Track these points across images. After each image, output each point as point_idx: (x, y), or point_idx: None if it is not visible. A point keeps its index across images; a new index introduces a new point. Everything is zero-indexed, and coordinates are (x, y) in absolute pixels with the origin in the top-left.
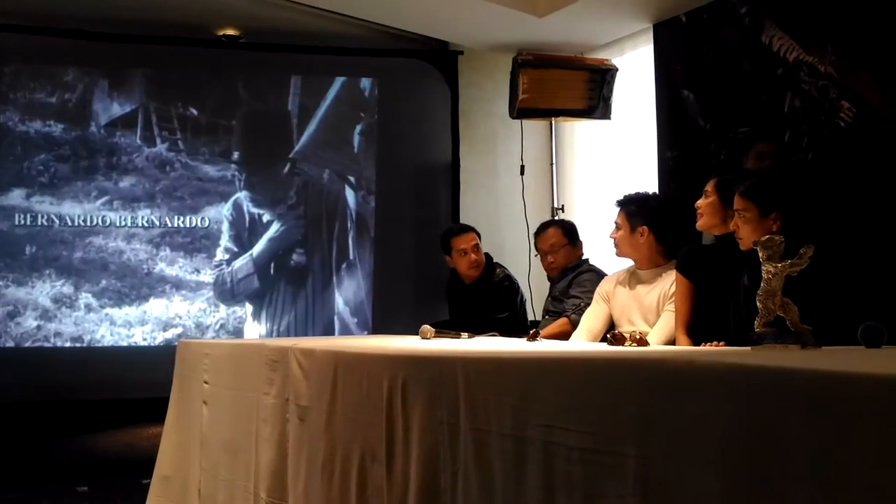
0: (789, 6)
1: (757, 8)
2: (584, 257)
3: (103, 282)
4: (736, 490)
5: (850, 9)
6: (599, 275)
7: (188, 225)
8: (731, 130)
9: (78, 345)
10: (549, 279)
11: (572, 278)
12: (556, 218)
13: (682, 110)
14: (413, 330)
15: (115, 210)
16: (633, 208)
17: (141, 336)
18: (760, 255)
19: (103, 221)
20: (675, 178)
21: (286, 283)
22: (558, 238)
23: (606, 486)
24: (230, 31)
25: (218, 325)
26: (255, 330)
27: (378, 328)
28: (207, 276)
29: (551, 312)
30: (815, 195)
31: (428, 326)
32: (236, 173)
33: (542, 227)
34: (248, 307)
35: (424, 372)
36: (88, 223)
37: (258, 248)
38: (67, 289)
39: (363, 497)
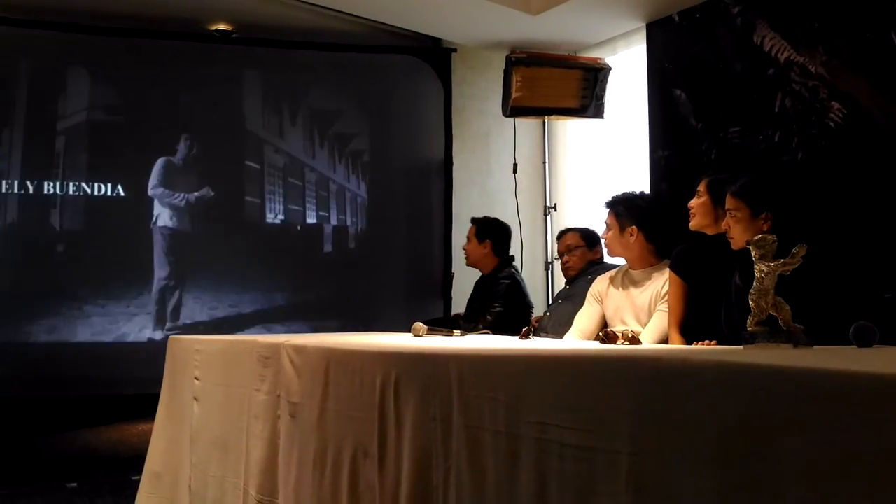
0: (781, 7)
1: (749, 8)
2: (602, 260)
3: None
4: (729, 488)
5: (841, 10)
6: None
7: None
8: (723, 130)
9: (68, 340)
10: (566, 281)
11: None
12: (578, 226)
13: (674, 109)
14: (405, 327)
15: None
16: (622, 209)
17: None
18: (753, 254)
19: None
20: (667, 178)
21: (277, 279)
22: (575, 241)
23: (599, 484)
24: (223, 26)
25: (213, 323)
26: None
27: (369, 325)
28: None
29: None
30: (806, 195)
31: (420, 323)
32: (228, 168)
33: (562, 232)
34: (243, 302)
35: (417, 369)
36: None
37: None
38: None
39: (355, 494)
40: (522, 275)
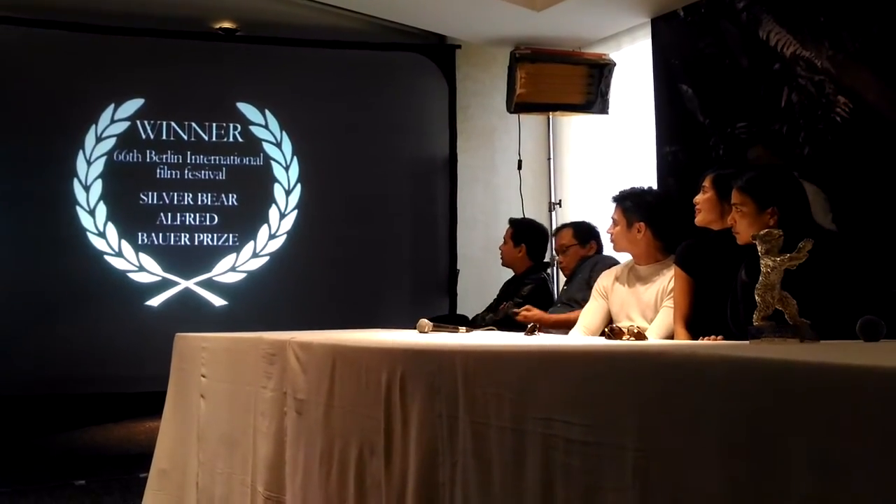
0: (787, 1)
1: (755, 2)
2: (596, 252)
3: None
4: (735, 483)
5: (847, 4)
6: (602, 263)
7: (182, 221)
8: (730, 125)
9: (76, 338)
10: (565, 281)
11: (577, 274)
12: (574, 221)
13: (681, 105)
14: (410, 324)
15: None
16: (630, 204)
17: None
18: (759, 248)
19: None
20: (674, 173)
21: (283, 277)
22: (568, 239)
23: (605, 479)
24: (227, 24)
25: (217, 319)
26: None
27: (375, 322)
28: (210, 266)
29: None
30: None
31: (426, 320)
32: (230, 171)
33: (557, 229)
34: (249, 301)
35: (423, 365)
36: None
37: (254, 240)
38: None
39: (361, 491)
40: None
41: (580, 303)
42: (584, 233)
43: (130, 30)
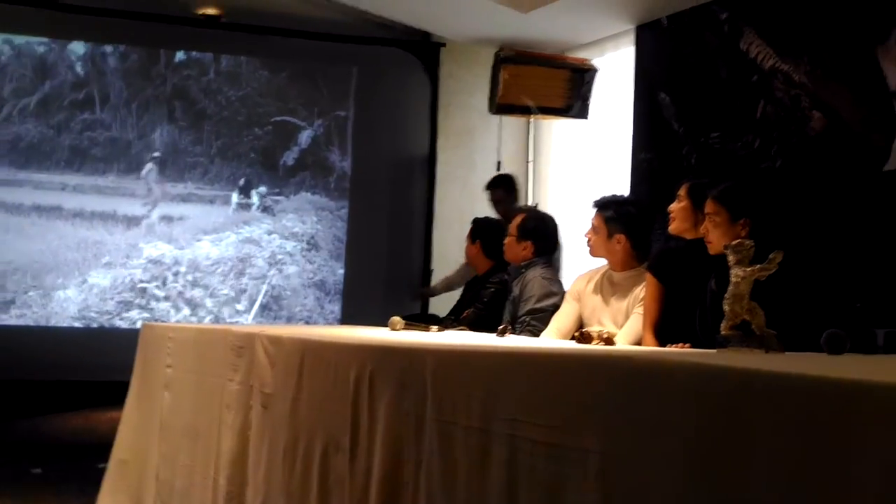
0: (769, 15)
1: (737, 15)
2: (530, 260)
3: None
4: (697, 488)
5: (827, 21)
6: (548, 279)
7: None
8: (704, 135)
9: (38, 324)
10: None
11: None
12: (533, 210)
13: (658, 113)
14: (383, 321)
15: (83, 192)
16: (612, 213)
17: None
18: (729, 259)
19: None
20: (647, 180)
21: (257, 272)
22: (513, 227)
23: (568, 482)
24: (210, 11)
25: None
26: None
27: (348, 318)
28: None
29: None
30: (783, 202)
31: (398, 318)
32: (211, 158)
33: (516, 210)
34: (223, 296)
35: (393, 363)
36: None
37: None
38: None
39: (324, 486)
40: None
41: (530, 324)
42: (526, 230)
43: (113, 12)
